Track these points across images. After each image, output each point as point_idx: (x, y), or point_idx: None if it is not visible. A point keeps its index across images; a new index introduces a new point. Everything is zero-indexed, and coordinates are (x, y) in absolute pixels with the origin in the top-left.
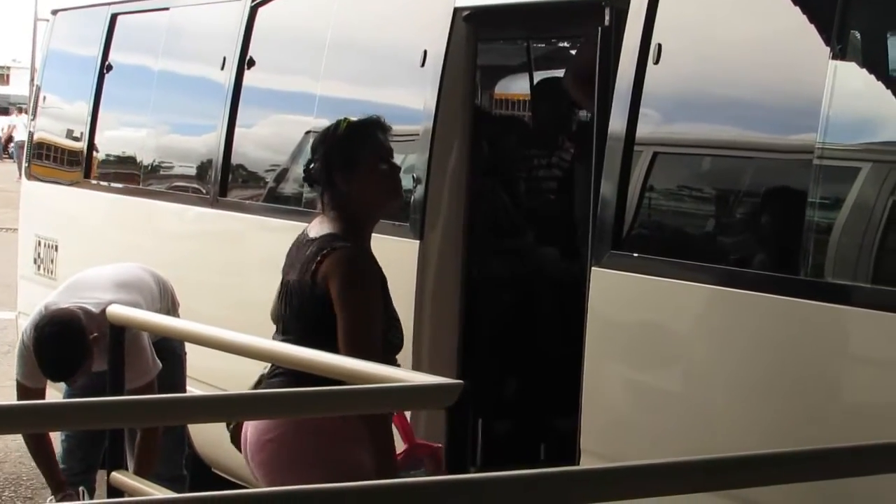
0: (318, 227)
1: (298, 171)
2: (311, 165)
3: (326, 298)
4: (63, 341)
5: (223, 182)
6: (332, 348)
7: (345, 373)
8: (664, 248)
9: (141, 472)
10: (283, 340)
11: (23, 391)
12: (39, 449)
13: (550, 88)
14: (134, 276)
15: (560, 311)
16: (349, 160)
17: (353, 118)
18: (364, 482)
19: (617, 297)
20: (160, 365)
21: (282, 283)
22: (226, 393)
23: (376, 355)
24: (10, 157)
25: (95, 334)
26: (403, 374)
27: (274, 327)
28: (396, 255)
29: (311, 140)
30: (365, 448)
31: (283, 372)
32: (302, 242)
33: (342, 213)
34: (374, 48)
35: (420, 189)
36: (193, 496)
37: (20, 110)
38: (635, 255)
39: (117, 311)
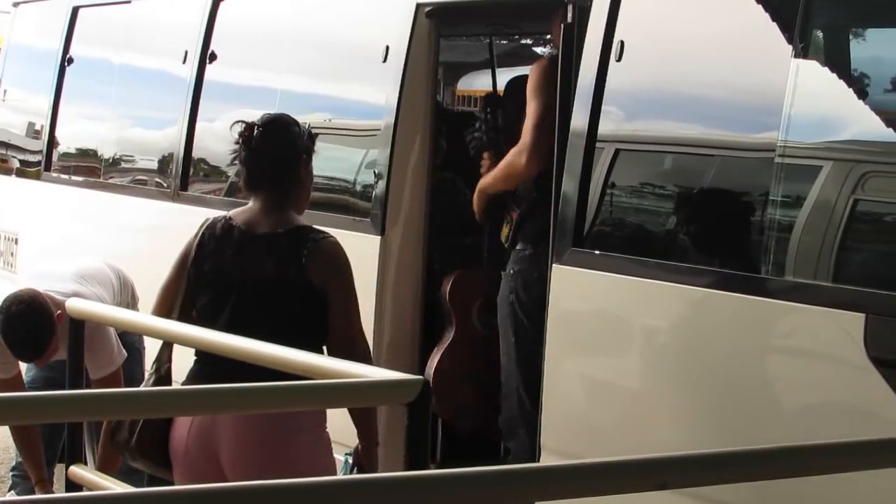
0: (265, 220)
1: (242, 155)
2: (277, 146)
3: (315, 291)
4: (30, 316)
5: (184, 176)
6: (312, 338)
7: (305, 367)
8: (625, 245)
9: (105, 467)
10: (236, 333)
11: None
12: (24, 439)
13: (515, 86)
14: (95, 269)
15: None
16: (308, 153)
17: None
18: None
19: (577, 294)
20: (125, 354)
21: (221, 276)
22: (184, 387)
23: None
24: None
25: (59, 311)
26: (364, 370)
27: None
28: (357, 251)
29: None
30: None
31: (209, 362)
32: (247, 239)
33: (292, 205)
34: (335, 43)
35: (381, 185)
36: (152, 491)
37: None
38: (596, 252)
39: (76, 304)
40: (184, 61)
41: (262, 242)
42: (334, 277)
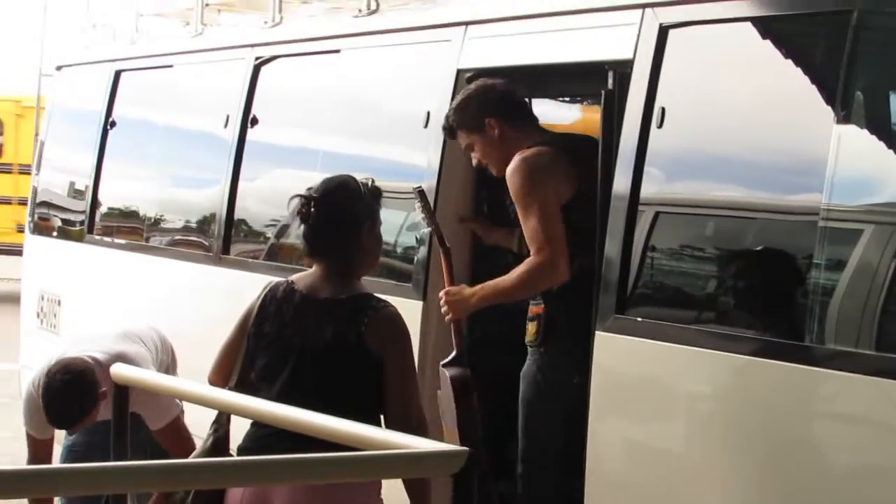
0: (326, 286)
1: (300, 228)
2: (335, 220)
3: (374, 359)
4: (73, 390)
5: (226, 239)
6: (369, 407)
7: (350, 438)
8: (668, 311)
9: None
10: (293, 397)
11: (32, 442)
12: None
13: None
14: (138, 330)
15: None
16: (373, 216)
17: (360, 175)
18: None
19: (621, 361)
20: (181, 405)
21: (280, 340)
22: (237, 459)
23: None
24: None
25: (104, 388)
26: (410, 441)
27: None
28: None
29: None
30: None
31: (265, 425)
32: (308, 303)
33: (355, 271)
34: (377, 107)
35: (423, 249)
36: None
37: None
38: (639, 319)
39: (122, 371)
40: (225, 125)
41: (322, 308)
42: (391, 348)
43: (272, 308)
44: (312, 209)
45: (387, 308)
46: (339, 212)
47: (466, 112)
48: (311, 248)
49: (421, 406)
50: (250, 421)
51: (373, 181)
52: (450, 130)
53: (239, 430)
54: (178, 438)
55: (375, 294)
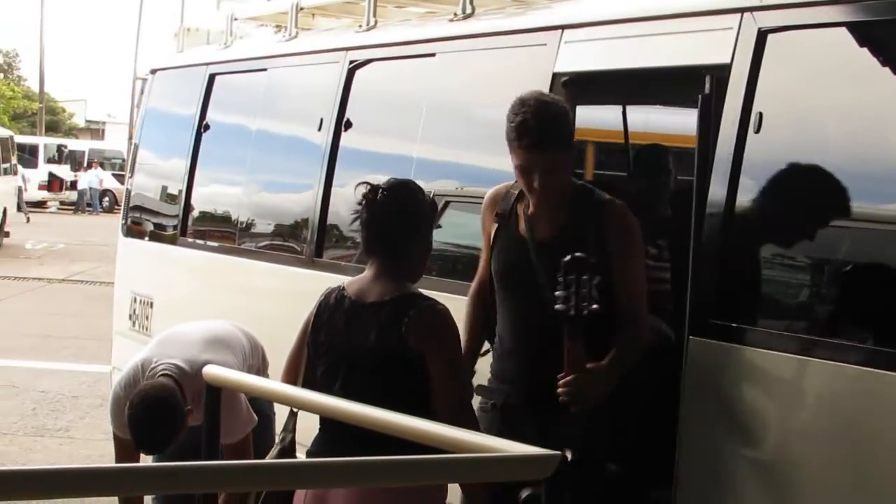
0: (374, 288)
1: (360, 218)
2: (398, 214)
3: (416, 360)
4: (158, 420)
5: (319, 242)
6: (421, 413)
7: (432, 438)
8: (763, 318)
9: None
10: None
11: (119, 442)
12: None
13: (649, 156)
14: (226, 333)
15: (653, 381)
16: (431, 223)
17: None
18: None
19: (714, 367)
20: (255, 419)
21: (332, 348)
22: (309, 461)
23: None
24: (91, 207)
25: (189, 407)
26: (496, 443)
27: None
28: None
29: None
30: None
31: (333, 429)
32: (355, 309)
33: (404, 273)
34: (472, 111)
35: None
36: None
37: (94, 163)
38: (734, 324)
39: (214, 371)
40: (319, 129)
41: (368, 312)
42: (432, 346)
43: (325, 316)
44: (379, 195)
45: (431, 305)
46: (403, 206)
47: (565, 126)
48: (367, 241)
49: (471, 408)
50: (318, 427)
51: (433, 195)
52: (539, 144)
53: (305, 436)
54: (245, 456)
55: (422, 293)
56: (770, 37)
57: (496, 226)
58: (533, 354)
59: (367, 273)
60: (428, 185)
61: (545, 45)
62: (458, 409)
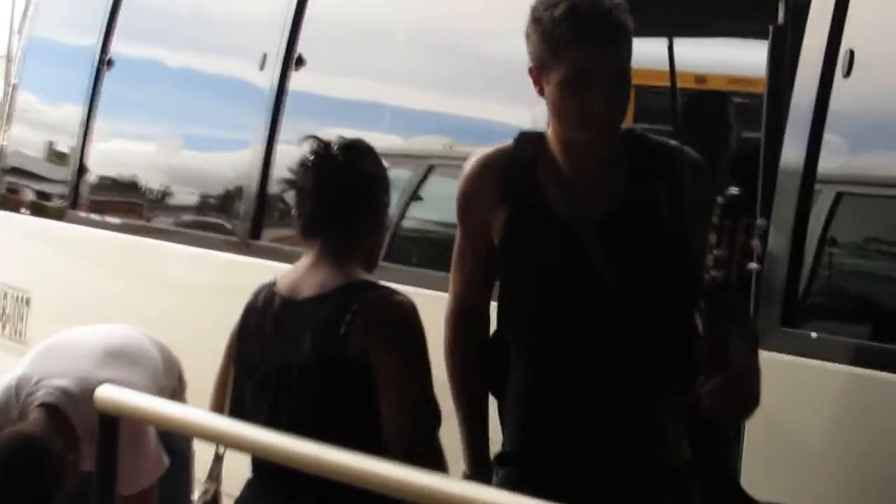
0: (311, 280)
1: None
2: (350, 180)
3: (363, 370)
4: (21, 489)
5: (257, 218)
6: (372, 442)
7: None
8: (853, 327)
9: None
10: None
11: None
12: None
13: (703, 105)
14: (130, 344)
15: None
16: (388, 197)
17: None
18: None
19: (786, 387)
20: (167, 463)
21: (260, 363)
22: None
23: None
24: None
25: (73, 458)
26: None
27: None
28: None
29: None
30: None
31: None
32: (288, 308)
33: (354, 260)
34: (469, 45)
35: None
36: None
37: None
38: (813, 335)
39: (110, 394)
40: (261, 66)
41: (303, 310)
42: (381, 345)
43: (252, 322)
44: (333, 152)
45: (386, 295)
46: (362, 168)
47: (629, 16)
48: (309, 219)
49: (433, 427)
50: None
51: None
52: (608, 31)
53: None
54: None
55: (375, 282)
56: None
57: (504, 209)
58: (601, 392)
59: (305, 261)
60: (408, 143)
61: None
62: (415, 427)
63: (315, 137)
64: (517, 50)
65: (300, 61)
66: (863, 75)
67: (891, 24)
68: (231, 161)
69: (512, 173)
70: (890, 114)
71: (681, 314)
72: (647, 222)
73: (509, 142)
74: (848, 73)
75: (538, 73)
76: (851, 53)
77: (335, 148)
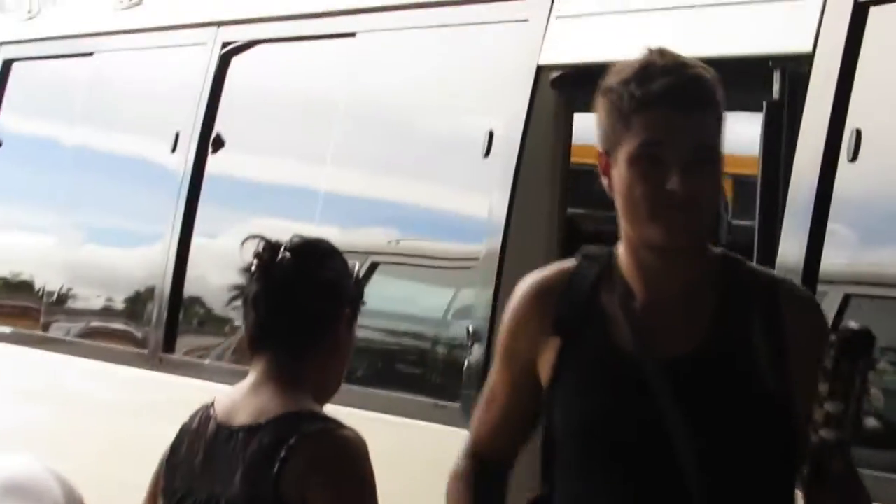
0: (249, 403)
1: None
2: (305, 302)
3: None
4: None
5: (170, 328)
6: None
7: None
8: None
9: None
10: None
11: None
12: None
13: None
14: (26, 476)
15: None
16: (354, 306)
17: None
18: None
19: None
20: None
21: (187, 499)
22: None
23: None
24: None
25: None
26: None
27: None
28: (437, 454)
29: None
30: None
31: None
32: (220, 437)
33: (307, 384)
34: (409, 125)
35: (478, 348)
36: None
37: None
38: None
39: None
40: (173, 149)
41: (236, 439)
42: (318, 489)
43: (184, 448)
44: (280, 258)
45: (324, 429)
46: (317, 276)
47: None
48: (254, 332)
49: None
50: None
51: (359, 267)
52: (695, 100)
53: None
54: None
55: (322, 413)
56: (873, 11)
57: (557, 343)
58: None
59: (249, 380)
60: (345, 237)
61: (527, 21)
62: None
63: (260, 237)
64: (470, 124)
65: (218, 142)
66: (872, 159)
67: None
68: (140, 259)
69: (570, 301)
70: None
71: (775, 486)
72: (736, 368)
73: (571, 260)
74: (854, 157)
75: (606, 159)
76: (858, 133)
77: (284, 251)
